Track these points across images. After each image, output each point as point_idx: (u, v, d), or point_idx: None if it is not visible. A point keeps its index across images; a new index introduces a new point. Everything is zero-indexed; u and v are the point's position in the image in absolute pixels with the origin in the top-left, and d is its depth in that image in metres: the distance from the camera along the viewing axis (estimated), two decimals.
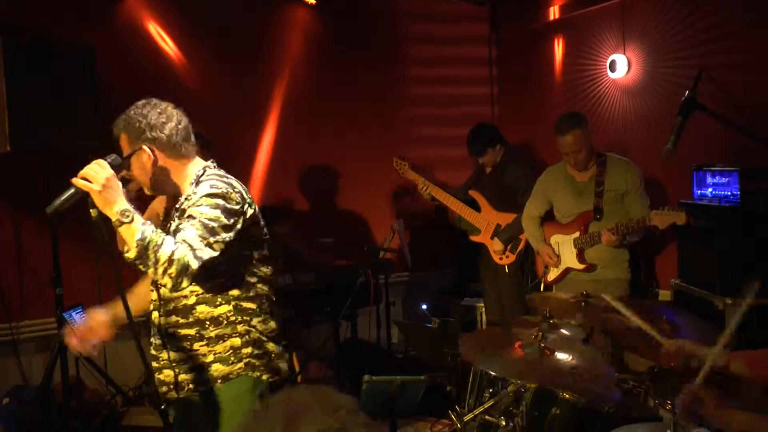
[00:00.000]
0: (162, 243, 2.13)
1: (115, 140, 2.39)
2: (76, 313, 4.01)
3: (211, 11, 4.94)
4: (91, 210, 2.17)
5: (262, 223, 2.46)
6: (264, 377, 2.43)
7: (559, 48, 5.37)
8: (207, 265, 2.20)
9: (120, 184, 2.22)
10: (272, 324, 2.48)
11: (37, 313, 4.36)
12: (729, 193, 3.62)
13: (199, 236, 2.18)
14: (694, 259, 3.85)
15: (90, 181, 2.13)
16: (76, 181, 2.15)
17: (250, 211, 2.36)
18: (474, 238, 4.86)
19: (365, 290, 4.78)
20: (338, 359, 4.85)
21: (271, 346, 2.46)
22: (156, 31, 4.75)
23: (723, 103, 2.90)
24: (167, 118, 2.35)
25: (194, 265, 2.14)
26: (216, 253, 2.21)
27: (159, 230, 2.18)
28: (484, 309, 5.10)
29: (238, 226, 2.30)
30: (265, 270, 2.47)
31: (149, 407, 4.23)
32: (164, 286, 2.22)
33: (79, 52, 4.01)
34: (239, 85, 5.07)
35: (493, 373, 2.91)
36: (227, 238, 2.25)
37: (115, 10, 4.60)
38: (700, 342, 2.28)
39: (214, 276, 2.32)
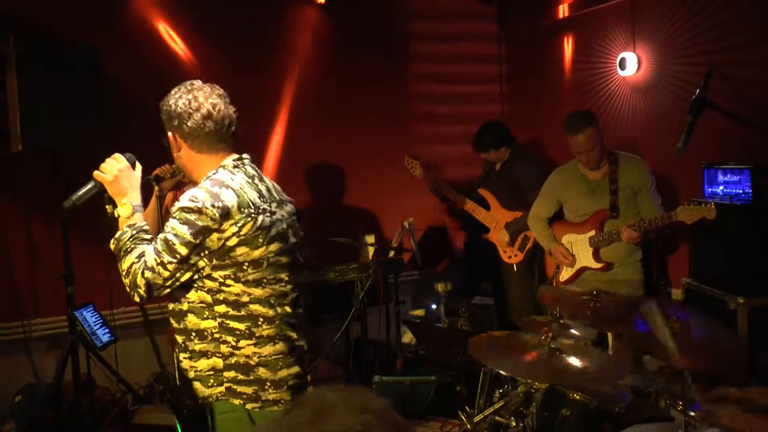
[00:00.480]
0: (130, 251, 2.16)
1: None
2: (87, 311, 4.04)
3: (221, 10, 4.94)
4: (107, 206, 2.24)
5: (262, 241, 2.18)
6: (248, 406, 2.20)
7: (568, 46, 5.35)
8: (156, 288, 2.14)
9: (137, 178, 2.29)
10: (270, 348, 2.21)
11: (49, 311, 4.38)
12: (740, 191, 3.60)
13: (156, 254, 2.12)
14: (705, 258, 3.82)
15: (104, 173, 2.23)
16: (96, 173, 2.24)
17: (233, 229, 2.13)
18: (485, 237, 4.86)
19: (375, 289, 4.79)
20: (348, 358, 4.86)
21: (263, 372, 2.20)
22: (165, 30, 4.76)
23: (735, 100, 2.89)
24: (195, 108, 2.21)
25: (141, 284, 2.12)
26: (167, 273, 2.11)
27: (142, 236, 2.20)
28: (494, 309, 5.10)
29: (208, 243, 2.12)
30: (259, 292, 2.20)
31: (159, 406, 4.24)
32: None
33: (88, 52, 4.04)
34: (248, 84, 5.07)
35: (503, 373, 2.91)
36: (189, 257, 2.12)
37: (125, 9, 4.61)
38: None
39: (196, 288, 2.20)
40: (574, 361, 2.54)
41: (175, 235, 2.11)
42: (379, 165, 5.47)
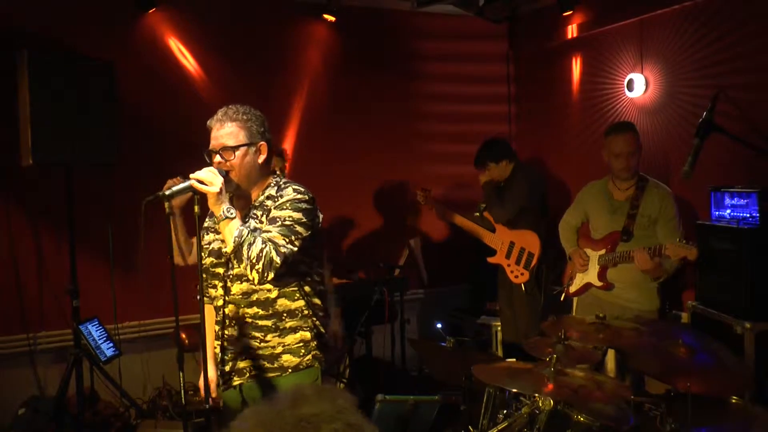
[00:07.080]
0: (253, 242, 2.40)
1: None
2: (92, 325, 4.05)
3: (232, 27, 4.98)
4: (165, 205, 2.45)
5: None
6: (318, 366, 2.68)
7: (576, 66, 5.36)
8: (288, 261, 2.46)
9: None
10: (325, 320, 2.74)
11: (54, 324, 4.39)
12: (748, 215, 3.59)
13: (282, 237, 2.46)
14: (711, 282, 3.80)
15: (206, 184, 2.40)
16: (196, 184, 2.40)
17: (320, 216, 2.68)
18: (491, 260, 4.82)
19: (380, 307, 4.78)
20: (352, 376, 4.84)
21: (324, 339, 2.72)
22: (177, 46, 4.80)
23: (742, 123, 2.89)
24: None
25: (278, 260, 2.41)
26: (295, 248, 2.48)
27: (257, 230, 2.46)
28: (499, 329, 5.07)
29: (312, 228, 2.57)
30: (321, 272, 2.73)
31: (162, 420, 4.24)
32: (251, 280, 2.48)
33: (100, 67, 4.07)
34: (257, 101, 5.05)
35: (508, 391, 2.89)
36: (305, 238, 2.53)
37: (137, 25, 4.66)
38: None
39: (294, 274, 2.58)
40: (579, 382, 2.52)
41: (294, 220, 2.50)
42: (385, 182, 5.48)
